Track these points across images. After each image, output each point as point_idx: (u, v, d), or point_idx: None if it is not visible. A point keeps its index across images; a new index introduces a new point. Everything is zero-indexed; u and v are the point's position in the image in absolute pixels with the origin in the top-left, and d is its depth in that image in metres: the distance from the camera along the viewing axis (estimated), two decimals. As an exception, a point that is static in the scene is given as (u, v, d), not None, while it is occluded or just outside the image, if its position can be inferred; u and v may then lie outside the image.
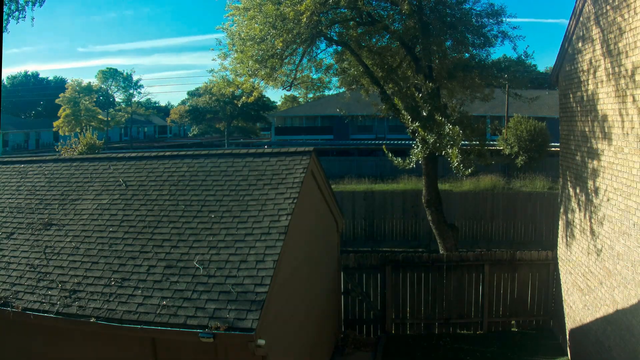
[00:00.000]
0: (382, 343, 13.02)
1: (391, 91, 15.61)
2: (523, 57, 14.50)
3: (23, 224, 9.23)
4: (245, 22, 14.05)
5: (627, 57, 8.60)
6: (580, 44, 11.10)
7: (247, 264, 7.48)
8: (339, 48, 15.68)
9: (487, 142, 15.90)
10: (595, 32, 10.12)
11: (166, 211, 8.86)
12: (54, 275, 7.88)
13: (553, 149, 33.19)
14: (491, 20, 14.07)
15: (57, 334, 7.55)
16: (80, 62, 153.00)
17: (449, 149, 13.24)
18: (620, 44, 8.86)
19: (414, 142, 15.19)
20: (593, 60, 10.30)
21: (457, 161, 13.29)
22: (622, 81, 8.84)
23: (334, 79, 18.23)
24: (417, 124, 14.00)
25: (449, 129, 13.08)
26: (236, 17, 14.63)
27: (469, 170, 13.18)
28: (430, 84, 13.70)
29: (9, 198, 10.12)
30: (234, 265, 7.49)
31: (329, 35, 14.81)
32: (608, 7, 9.37)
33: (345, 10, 14.22)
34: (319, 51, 15.92)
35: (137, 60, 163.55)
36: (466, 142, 14.97)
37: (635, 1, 8.17)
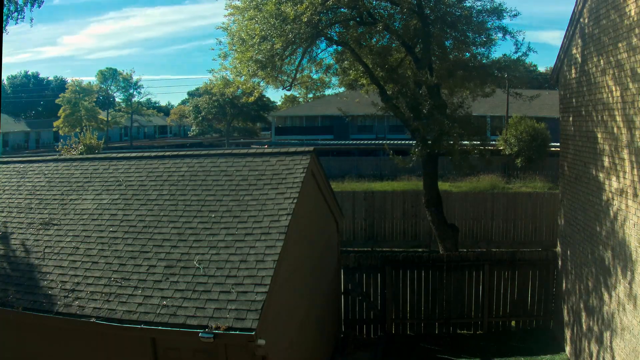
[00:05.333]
0: (382, 343, 13.02)
1: (392, 91, 15.61)
2: (523, 50, 14.48)
3: (23, 223, 9.22)
4: (245, 22, 14.05)
5: (627, 56, 8.60)
6: (580, 44, 11.10)
7: (247, 263, 7.48)
8: (339, 48, 15.68)
9: (487, 142, 15.92)
10: (595, 31, 10.12)
11: (166, 211, 8.86)
12: (54, 275, 7.87)
13: (553, 149, 33.19)
14: (492, 17, 14.07)
15: (57, 334, 7.55)
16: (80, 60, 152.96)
17: (449, 146, 13.26)
18: (619, 43, 8.85)
19: (414, 141, 15.20)
20: (593, 60, 10.30)
21: (457, 159, 13.30)
22: (622, 80, 8.83)
23: (334, 79, 18.24)
24: (417, 123, 14.01)
25: (449, 127, 13.09)
26: (236, 17, 14.64)
27: (469, 167, 13.18)
28: (432, 81, 13.70)
29: (9, 198, 10.12)
30: (234, 265, 7.49)
31: (329, 35, 14.81)
32: (607, 7, 9.37)
33: (346, 10, 14.21)
34: (319, 51, 15.95)
35: (136, 58, 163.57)
36: (466, 142, 15.00)
37: (636, 1, 8.17)
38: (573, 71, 11.68)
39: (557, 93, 13.72)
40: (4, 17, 9.95)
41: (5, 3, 9.96)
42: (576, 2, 11.02)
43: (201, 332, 6.59)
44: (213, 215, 8.53)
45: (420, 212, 20.70)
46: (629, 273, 8.58)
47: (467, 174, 27.59)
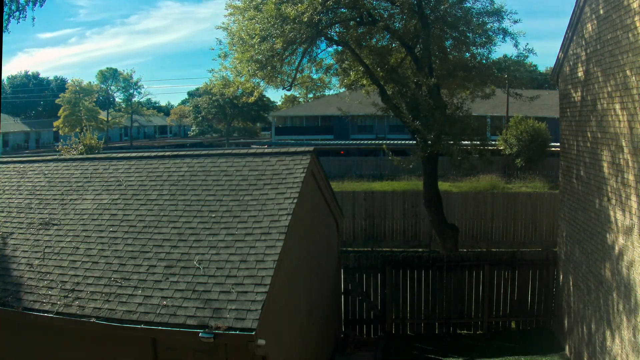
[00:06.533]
0: (382, 343, 13.02)
1: (392, 91, 15.61)
2: (524, 54, 14.50)
3: (23, 223, 9.22)
4: (245, 22, 14.06)
5: (626, 56, 8.60)
6: (580, 45, 11.10)
7: (247, 263, 7.48)
8: (339, 48, 15.69)
9: (487, 142, 15.92)
10: (595, 32, 10.12)
11: (166, 211, 8.86)
12: (54, 275, 7.87)
13: (553, 149, 33.20)
14: (492, 19, 14.08)
15: (57, 334, 7.55)
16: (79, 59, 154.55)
17: (450, 147, 13.25)
18: (619, 44, 8.85)
19: (415, 141, 15.19)
20: (593, 60, 10.30)
21: (456, 159, 13.29)
22: (622, 80, 8.83)
23: (334, 79, 18.26)
24: (417, 123, 14.00)
25: (448, 127, 13.08)
26: (236, 17, 14.64)
27: (468, 167, 13.18)
28: (432, 81, 13.71)
29: (9, 198, 10.12)
30: (234, 265, 7.49)
31: (329, 35, 14.82)
32: (607, 8, 9.37)
33: (346, 10, 14.22)
34: (319, 51, 15.96)
35: (137, 58, 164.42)
36: (466, 142, 14.99)
37: (634, 1, 8.17)
38: (573, 71, 11.68)
39: (557, 93, 13.72)
40: (5, 17, 9.96)
41: (6, 2, 9.97)
42: (576, 2, 11.02)
43: (201, 332, 6.59)
44: (213, 215, 8.54)
45: (420, 212, 20.69)
46: (629, 273, 8.58)
47: (467, 174, 27.61)
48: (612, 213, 9.37)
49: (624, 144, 8.84)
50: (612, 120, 9.38)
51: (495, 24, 14.13)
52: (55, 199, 9.75)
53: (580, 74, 11.20)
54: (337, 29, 15.06)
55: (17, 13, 10.34)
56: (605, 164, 9.75)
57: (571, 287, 11.89)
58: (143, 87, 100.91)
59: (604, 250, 9.73)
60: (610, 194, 9.48)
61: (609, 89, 9.45)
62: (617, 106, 9.10)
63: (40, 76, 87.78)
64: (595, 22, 10.11)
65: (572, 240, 11.82)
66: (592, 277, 10.40)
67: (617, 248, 9.11)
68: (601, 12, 9.75)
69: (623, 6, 8.66)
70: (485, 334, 13.61)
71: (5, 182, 10.70)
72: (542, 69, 64.99)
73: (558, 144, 14.14)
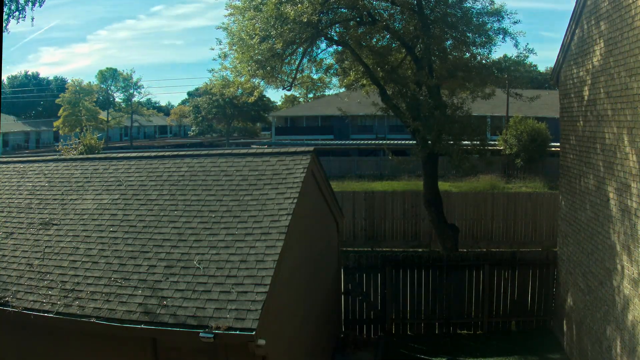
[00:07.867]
0: (382, 343, 13.02)
1: (392, 91, 15.61)
2: (524, 54, 14.53)
3: (23, 223, 9.22)
4: (245, 22, 14.07)
5: (627, 56, 8.59)
6: (580, 44, 11.10)
7: (247, 263, 7.48)
8: (339, 48, 15.69)
9: (487, 142, 15.93)
10: (595, 31, 10.12)
11: (166, 211, 8.86)
12: (54, 275, 7.87)
13: (553, 149, 33.22)
14: (492, 18, 14.10)
15: (57, 334, 7.54)
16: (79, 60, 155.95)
17: (449, 147, 13.26)
18: (620, 44, 8.85)
19: (415, 141, 15.20)
20: (594, 60, 10.30)
21: (456, 158, 13.29)
22: (622, 80, 8.83)
23: (334, 79, 18.27)
24: (417, 123, 14.01)
25: (448, 127, 13.08)
26: (236, 17, 14.65)
27: (469, 167, 13.18)
28: (432, 81, 13.71)
29: (9, 198, 10.12)
30: (234, 265, 7.49)
31: (329, 35, 14.82)
32: (608, 8, 9.37)
33: (346, 10, 14.22)
34: (319, 51, 15.97)
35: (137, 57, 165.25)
36: (466, 142, 15.00)
37: (635, 1, 8.17)
38: (573, 71, 11.68)
39: (557, 93, 13.71)
40: (5, 17, 9.96)
41: (6, 2, 9.97)
42: (577, 1, 11.02)
43: (201, 332, 6.59)
44: (213, 215, 8.54)
45: (420, 212, 20.68)
46: (629, 273, 8.59)
47: (467, 174, 27.61)
48: (611, 212, 9.37)
49: (625, 140, 8.84)
50: (612, 119, 9.38)
51: (495, 24, 14.17)
52: (55, 199, 9.75)
53: (579, 74, 11.19)
54: (337, 29, 15.06)
55: (17, 13, 10.33)
56: (604, 162, 9.75)
57: (571, 287, 11.89)
58: (143, 87, 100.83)
59: (604, 250, 9.73)
60: (609, 193, 9.48)
61: (609, 89, 9.46)
62: (618, 106, 9.10)
63: (40, 76, 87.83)
64: (594, 22, 10.11)
65: (572, 240, 11.82)
66: (592, 277, 10.39)
67: (617, 248, 9.11)
68: (601, 12, 9.75)
69: (623, 6, 8.66)
70: (486, 333, 13.61)
71: (5, 182, 10.70)
72: (542, 69, 65.03)
73: (558, 144, 14.14)
